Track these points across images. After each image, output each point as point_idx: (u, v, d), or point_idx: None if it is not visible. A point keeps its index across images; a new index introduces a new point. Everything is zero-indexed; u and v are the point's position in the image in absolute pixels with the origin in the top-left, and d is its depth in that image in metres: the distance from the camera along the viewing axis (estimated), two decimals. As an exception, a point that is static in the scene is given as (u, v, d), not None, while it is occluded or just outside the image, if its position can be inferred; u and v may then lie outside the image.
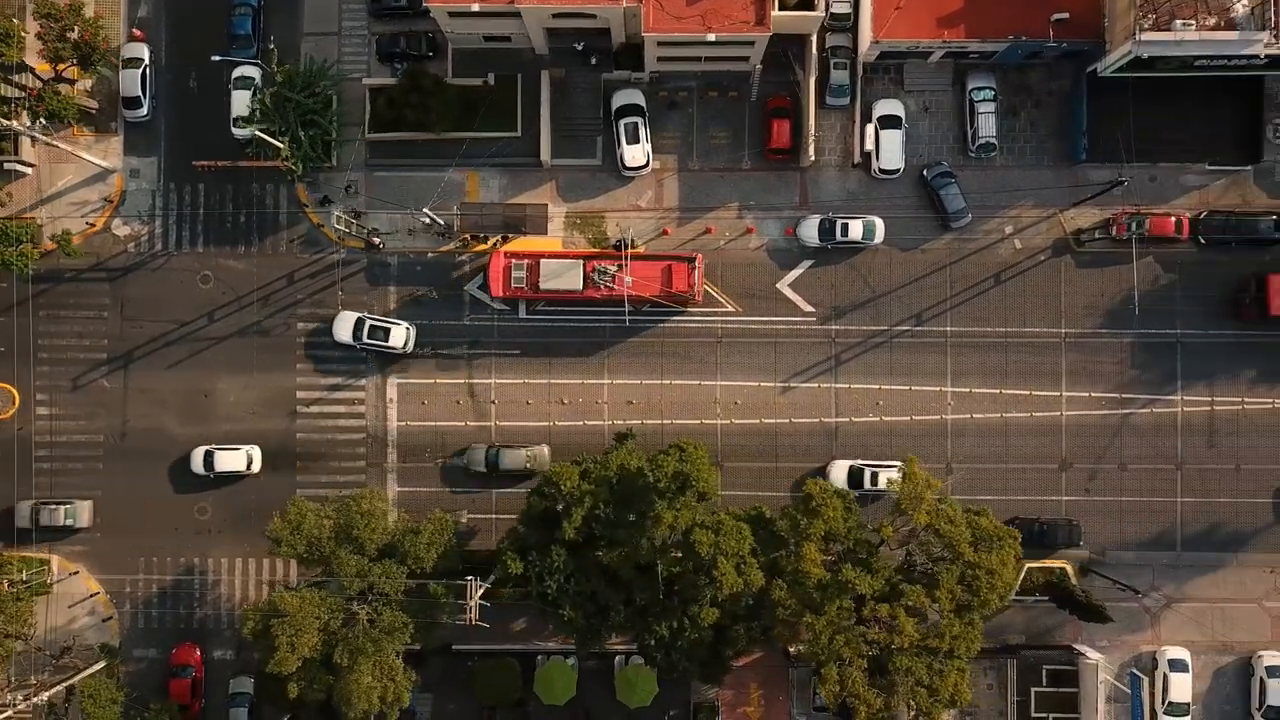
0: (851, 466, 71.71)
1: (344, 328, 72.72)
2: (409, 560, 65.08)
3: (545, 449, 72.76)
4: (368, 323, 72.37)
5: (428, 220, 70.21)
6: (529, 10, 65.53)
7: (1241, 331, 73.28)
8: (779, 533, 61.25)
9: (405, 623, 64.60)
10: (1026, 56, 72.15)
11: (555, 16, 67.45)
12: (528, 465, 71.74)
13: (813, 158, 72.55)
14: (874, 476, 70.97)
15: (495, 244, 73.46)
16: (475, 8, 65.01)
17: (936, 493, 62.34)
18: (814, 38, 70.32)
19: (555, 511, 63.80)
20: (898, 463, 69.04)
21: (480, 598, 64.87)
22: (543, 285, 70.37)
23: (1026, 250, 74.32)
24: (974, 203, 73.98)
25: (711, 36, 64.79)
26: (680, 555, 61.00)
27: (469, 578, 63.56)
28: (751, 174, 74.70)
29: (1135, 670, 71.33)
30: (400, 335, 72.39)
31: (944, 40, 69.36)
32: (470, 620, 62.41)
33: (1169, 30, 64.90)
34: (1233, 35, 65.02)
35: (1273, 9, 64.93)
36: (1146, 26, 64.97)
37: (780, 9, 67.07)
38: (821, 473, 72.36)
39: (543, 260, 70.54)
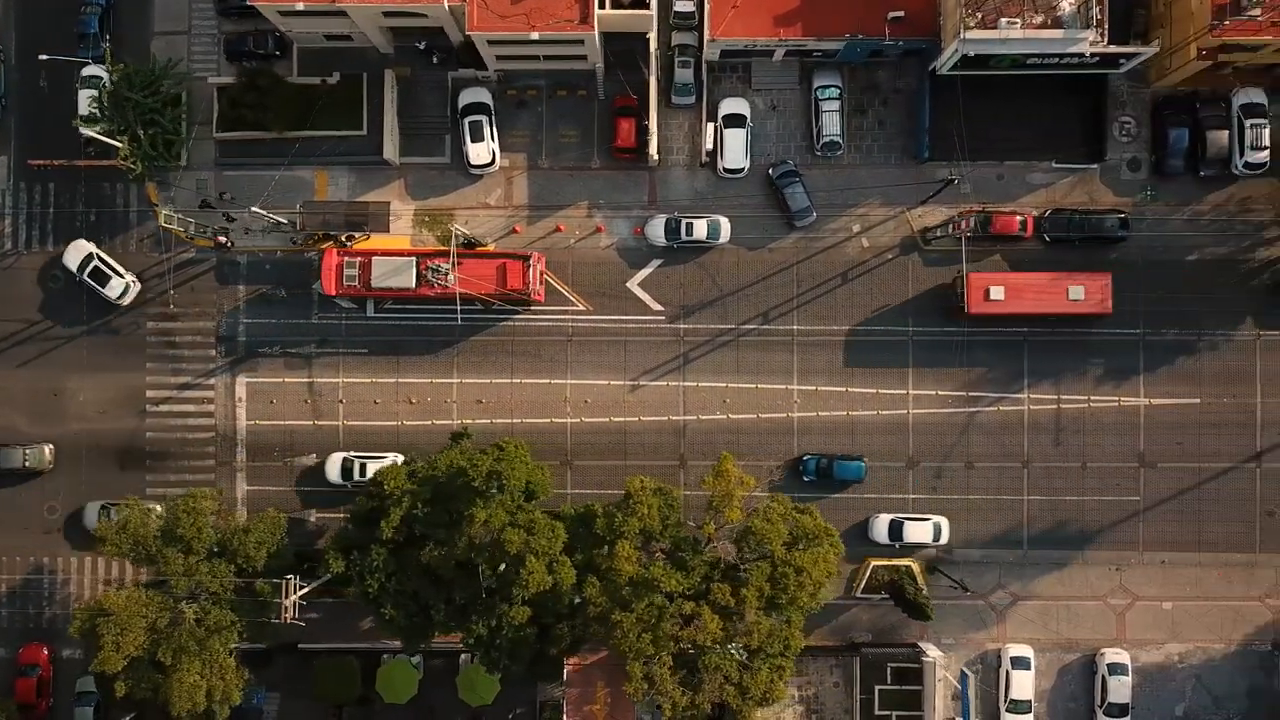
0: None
1: (74, 257, 72.74)
2: (239, 559, 65.10)
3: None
4: (94, 262, 72.32)
5: (267, 219, 70.03)
6: (356, 9, 65.54)
7: (1086, 331, 73.37)
8: (595, 531, 61.23)
9: (233, 621, 64.66)
10: (870, 55, 72.20)
11: (387, 15, 67.39)
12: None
13: (655, 157, 72.55)
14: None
15: (344, 242, 73.32)
16: (300, 6, 64.96)
17: (751, 489, 62.39)
18: (653, 36, 70.33)
19: (380, 511, 63.74)
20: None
21: (331, 598, 64.99)
22: (375, 284, 70.29)
23: (874, 249, 74.40)
24: (821, 201, 74.04)
25: (535, 35, 64.81)
26: (494, 554, 60.90)
27: (288, 576, 63.46)
28: (601, 173, 74.72)
29: (965, 669, 71.36)
30: (118, 286, 72.32)
31: (780, 39, 69.41)
32: (285, 619, 62.31)
33: (995, 28, 64.99)
34: (1058, 34, 65.14)
35: (1097, 8, 65.08)
36: (972, 25, 65.07)
37: (614, 7, 67.27)
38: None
39: (375, 259, 70.49)
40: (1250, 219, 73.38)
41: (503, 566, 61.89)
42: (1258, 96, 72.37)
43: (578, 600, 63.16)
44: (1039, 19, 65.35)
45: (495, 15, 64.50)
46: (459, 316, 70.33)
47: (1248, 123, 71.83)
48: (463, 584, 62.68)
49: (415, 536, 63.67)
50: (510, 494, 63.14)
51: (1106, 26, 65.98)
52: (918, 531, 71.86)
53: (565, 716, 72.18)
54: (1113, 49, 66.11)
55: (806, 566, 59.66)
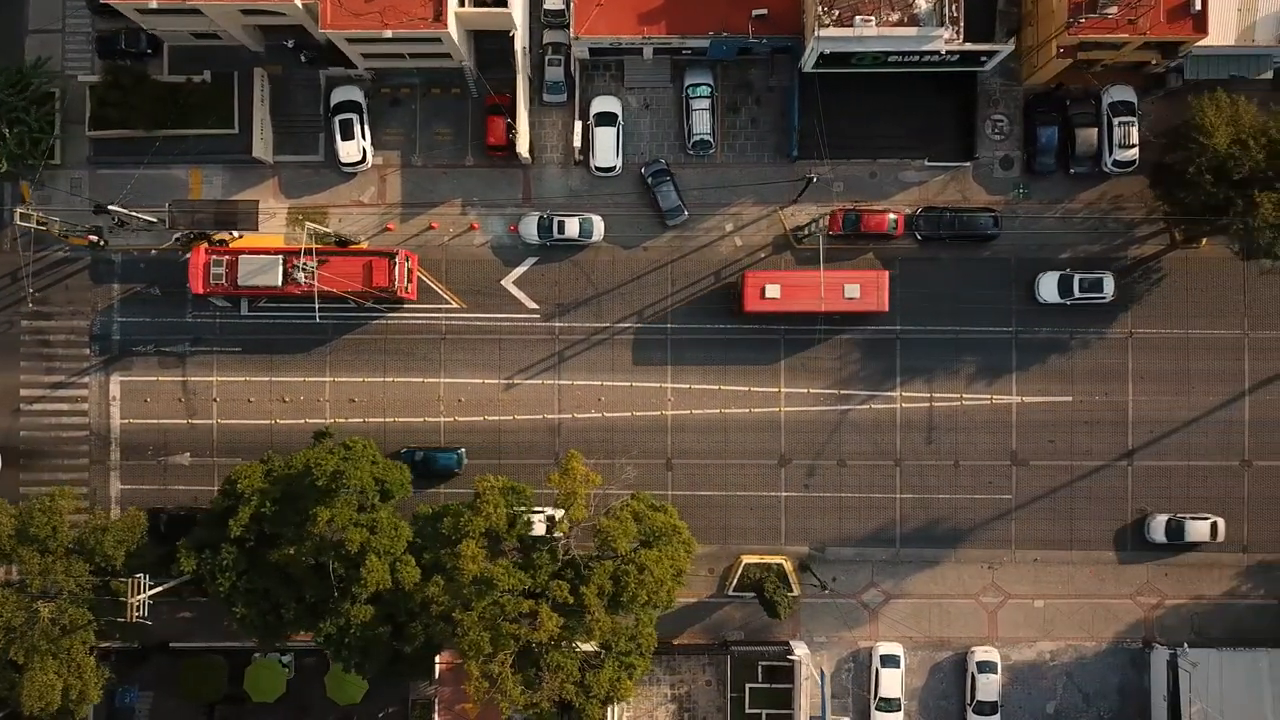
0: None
1: None
2: (96, 558, 64.98)
3: None
4: None
5: (128, 217, 69.89)
6: (211, 8, 65.45)
7: (960, 328, 73.40)
8: (441, 530, 61.14)
9: (90, 620, 64.54)
10: (740, 53, 72.17)
11: (246, 14, 67.29)
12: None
13: (526, 155, 72.43)
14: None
15: (223, 241, 73.17)
16: (154, 4, 64.81)
17: (598, 487, 62.39)
18: (519, 35, 70.16)
19: (232, 510, 63.62)
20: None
21: (203, 596, 64.80)
22: (241, 282, 70.17)
23: (747, 248, 74.33)
24: (694, 200, 73.98)
25: (389, 34, 64.66)
26: (339, 553, 60.83)
27: (137, 575, 63.36)
28: (475, 170, 74.62)
29: (822, 668, 71.30)
30: None
31: (645, 36, 69.31)
32: (132, 618, 62.17)
33: (850, 26, 64.96)
34: (912, 31, 65.11)
35: (953, 6, 65.07)
36: (828, 22, 65.06)
37: (475, 5, 67.20)
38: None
39: (241, 257, 70.37)
40: (1122, 217, 73.40)
41: (340, 567, 61.78)
42: (1127, 95, 72.38)
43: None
44: (895, 17, 65.33)
45: (349, 13, 64.37)
46: (317, 315, 70.13)
47: (1116, 121, 71.84)
48: (313, 583, 62.57)
49: (269, 536, 63.56)
50: (365, 493, 63.13)
51: (962, 24, 65.94)
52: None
53: (436, 715, 72.37)
54: (968, 46, 66.03)
55: (649, 564, 59.60)
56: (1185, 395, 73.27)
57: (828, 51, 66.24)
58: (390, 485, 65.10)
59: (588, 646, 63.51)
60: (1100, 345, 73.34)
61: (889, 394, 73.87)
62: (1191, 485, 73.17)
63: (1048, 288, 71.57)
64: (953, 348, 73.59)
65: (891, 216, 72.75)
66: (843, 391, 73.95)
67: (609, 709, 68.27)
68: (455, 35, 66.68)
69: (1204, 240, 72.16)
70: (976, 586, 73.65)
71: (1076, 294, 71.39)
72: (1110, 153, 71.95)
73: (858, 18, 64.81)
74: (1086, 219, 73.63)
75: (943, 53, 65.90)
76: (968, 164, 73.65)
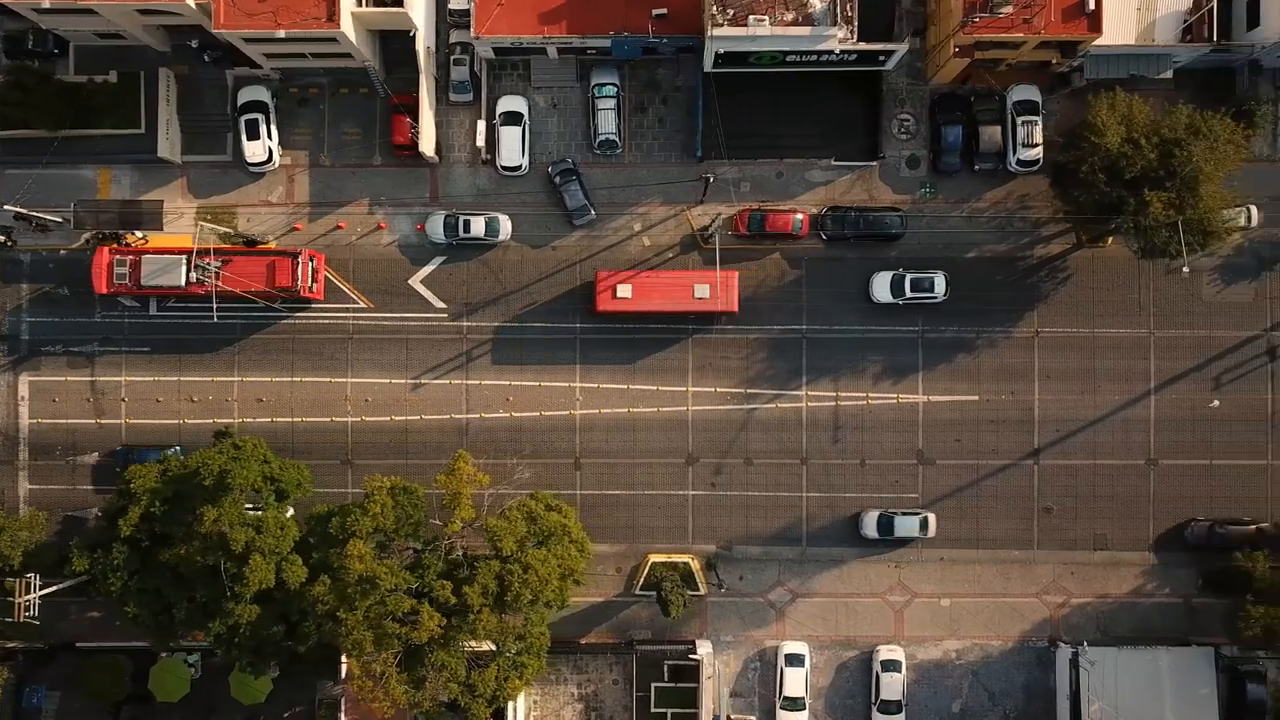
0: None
1: None
2: (-8, 558, 65.12)
3: None
4: None
5: (28, 217, 69.93)
6: (106, 7, 65.44)
7: (867, 327, 73.50)
8: (329, 530, 61.16)
9: (-15, 620, 64.74)
10: (646, 52, 72.18)
11: (143, 13, 67.28)
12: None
13: (431, 154, 72.46)
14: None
15: (135, 240, 73.20)
16: (46, 4, 64.81)
17: (484, 487, 62.46)
18: (420, 34, 70.12)
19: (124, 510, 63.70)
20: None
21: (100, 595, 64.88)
22: (144, 282, 70.19)
23: (655, 247, 74.37)
24: (602, 200, 74.05)
25: (282, 33, 64.69)
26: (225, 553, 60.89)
27: (29, 575, 63.38)
28: (383, 170, 74.65)
29: (719, 669, 71.31)
30: None
31: (546, 36, 69.31)
32: (19, 617, 62.20)
33: (745, 26, 65.02)
34: (805, 31, 65.19)
35: (847, 6, 65.15)
36: (723, 22, 65.12)
37: (373, 4, 67.25)
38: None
39: (145, 257, 70.38)
40: (1028, 216, 73.46)
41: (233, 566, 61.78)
42: (1031, 94, 72.48)
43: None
44: (790, 16, 65.39)
45: (242, 13, 64.38)
46: (215, 315, 70.10)
47: (1020, 120, 71.93)
48: (205, 583, 62.59)
49: (162, 535, 63.58)
50: (260, 492, 63.23)
51: (856, 24, 66.01)
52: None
53: (343, 715, 72.32)
54: (862, 46, 66.10)
55: (534, 564, 59.64)
56: (1091, 394, 73.38)
57: (722, 51, 66.29)
58: (286, 485, 65.15)
59: (482, 646, 63.60)
60: (1007, 344, 73.44)
61: (795, 393, 73.93)
62: (1097, 484, 73.22)
63: (880, 288, 71.76)
64: (859, 347, 73.66)
65: (796, 216, 72.81)
66: (749, 390, 74.01)
67: (511, 708, 68.60)
68: (352, 35, 66.69)
69: (1109, 239, 72.27)
70: (883, 585, 73.71)
71: (908, 294, 71.48)
72: (1014, 152, 72.05)
73: (751, 17, 64.89)
74: (993, 218, 73.73)
75: (837, 52, 65.93)
76: (873, 163, 73.73)
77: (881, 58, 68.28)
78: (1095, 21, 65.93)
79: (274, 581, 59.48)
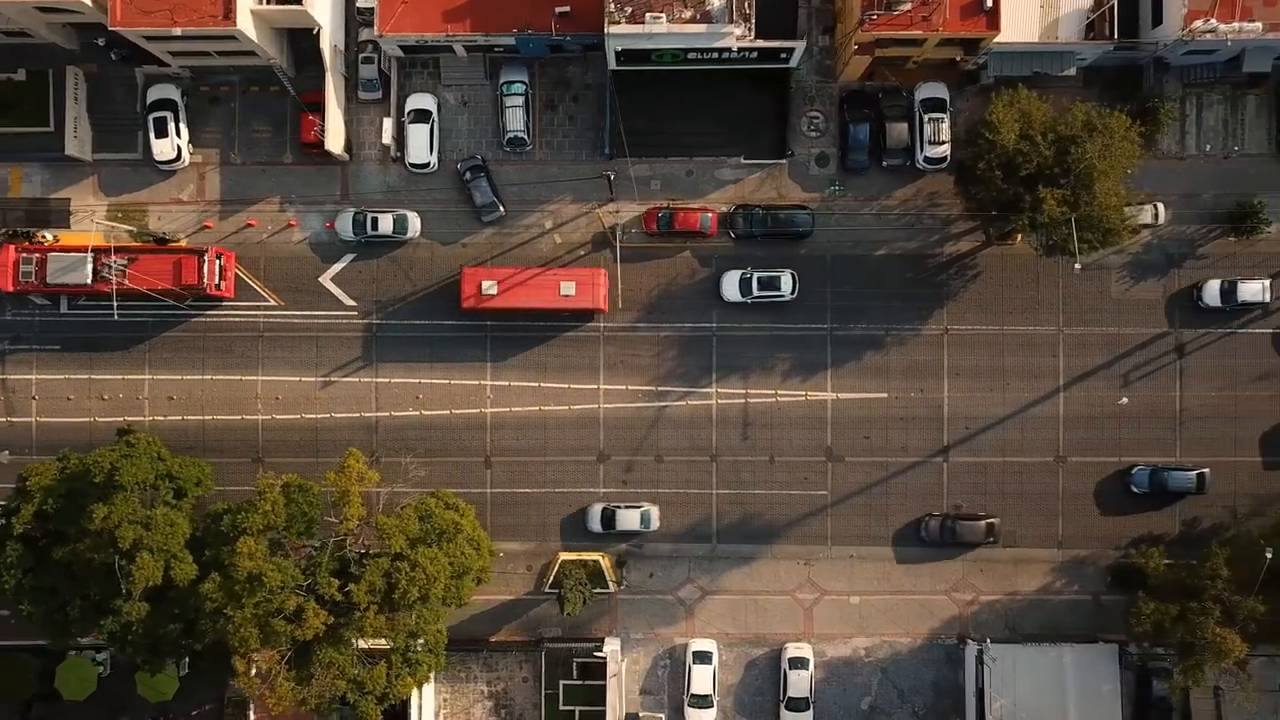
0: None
1: None
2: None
3: None
4: None
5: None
6: (4, 5, 65.49)
7: (776, 325, 73.50)
8: (220, 528, 61.13)
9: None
10: (554, 50, 72.20)
11: (43, 11, 67.19)
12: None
13: (337, 152, 72.44)
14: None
15: (44, 238, 73.13)
16: (-66, 1, 64.88)
17: (373, 485, 62.46)
18: (325, 32, 70.04)
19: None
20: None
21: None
22: (50, 279, 70.20)
23: (566, 245, 74.40)
24: (513, 197, 74.07)
25: (178, 31, 64.71)
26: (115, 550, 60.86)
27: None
28: (294, 168, 74.63)
29: (622, 667, 71.25)
30: None
31: (449, 34, 69.32)
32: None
33: (642, 23, 65.07)
34: (702, 28, 65.26)
35: (745, 3, 65.18)
36: (620, 19, 65.16)
37: (274, 2, 67.24)
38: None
39: (51, 254, 70.36)
40: (937, 213, 73.51)
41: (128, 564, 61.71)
42: (939, 91, 72.53)
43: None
44: (688, 14, 65.44)
45: (139, 11, 64.38)
46: (115, 313, 70.08)
47: (927, 117, 71.97)
48: (100, 581, 62.53)
49: (58, 533, 63.55)
50: (158, 489, 63.23)
51: (753, 21, 66.06)
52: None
53: (251, 713, 72.30)
54: (760, 43, 66.19)
55: (423, 563, 59.64)
56: (1000, 392, 73.45)
57: (622, 49, 66.34)
58: (185, 482, 65.13)
59: (377, 644, 63.64)
60: (916, 342, 73.48)
61: (706, 390, 73.96)
62: (1006, 481, 73.30)
63: (729, 287, 72.00)
64: (769, 344, 73.68)
65: (705, 215, 72.83)
66: (661, 388, 74.03)
67: (417, 706, 68.64)
68: (253, 33, 66.70)
69: (1018, 237, 72.28)
70: (793, 583, 73.75)
71: (755, 292, 71.56)
72: (922, 149, 72.11)
73: (649, 15, 64.92)
74: (902, 215, 73.78)
75: (734, 50, 65.98)
76: (782, 161, 73.77)
77: (783, 55, 68.40)
78: (993, 19, 65.98)
79: (160, 579, 59.39)
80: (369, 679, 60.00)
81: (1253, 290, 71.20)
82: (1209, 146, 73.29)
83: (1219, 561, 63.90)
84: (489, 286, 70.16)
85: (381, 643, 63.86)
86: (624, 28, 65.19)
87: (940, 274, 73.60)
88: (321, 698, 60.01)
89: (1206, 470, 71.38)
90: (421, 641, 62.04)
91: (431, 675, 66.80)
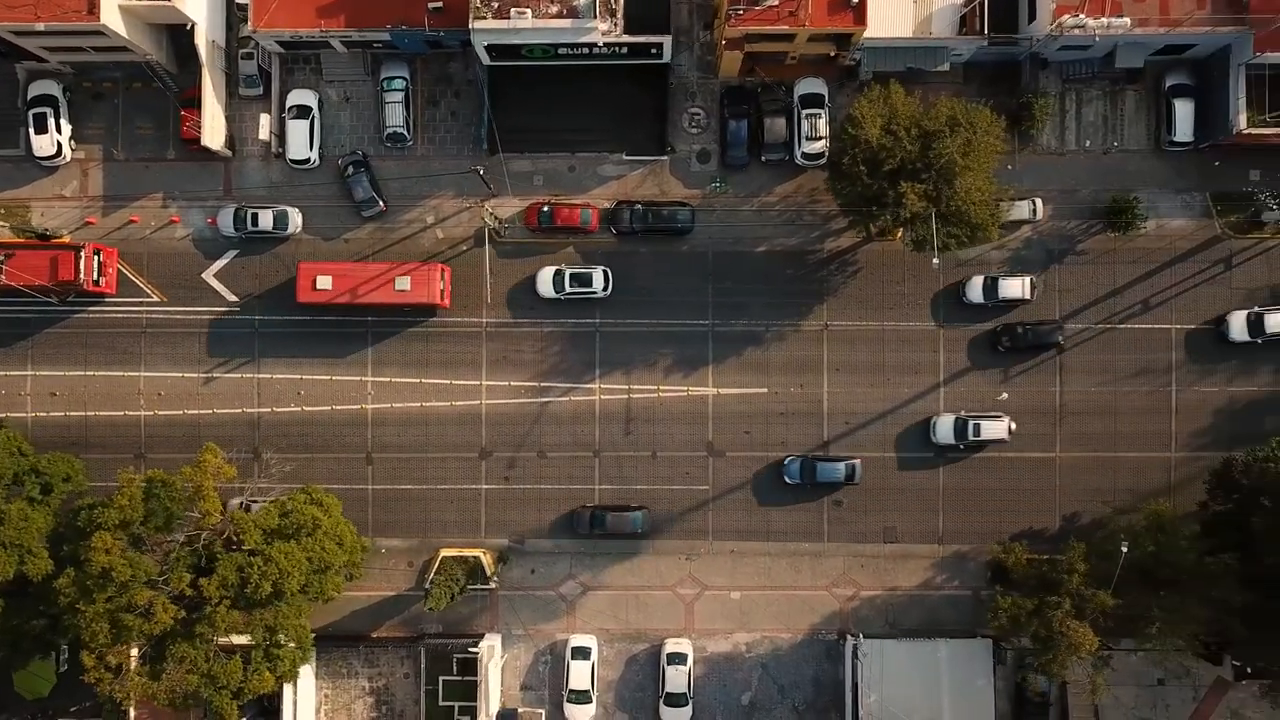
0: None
1: None
2: None
3: None
4: None
5: None
6: None
7: (659, 321, 73.53)
8: (78, 523, 61.08)
9: None
10: (433, 46, 72.23)
11: (-90, 6, 67.20)
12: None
13: (217, 148, 72.39)
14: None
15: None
16: None
17: (229, 480, 62.46)
18: (201, 27, 70.03)
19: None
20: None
21: None
22: (-78, 276, 70.23)
23: (449, 240, 74.43)
24: (396, 193, 74.14)
25: (41, 26, 64.66)
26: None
27: None
28: (177, 164, 74.62)
29: (489, 664, 71.14)
30: None
31: (323, 30, 69.33)
32: None
33: (506, 19, 65.16)
34: (566, 24, 65.35)
35: (612, -1, 65.38)
36: (486, 14, 65.24)
37: None
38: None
39: (-79, 251, 70.38)
40: (817, 210, 73.55)
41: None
42: (817, 87, 72.62)
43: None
44: (554, 9, 65.53)
45: (3, 6, 64.34)
46: (-24, 311, 70.18)
47: (804, 113, 72.06)
48: (-43, 576, 62.50)
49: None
50: (26, 485, 63.26)
51: (621, 17, 66.16)
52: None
53: (132, 710, 72.07)
54: (626, 38, 66.30)
55: (276, 558, 59.61)
56: (880, 387, 73.52)
57: (488, 44, 66.39)
58: (52, 478, 65.07)
59: (240, 640, 63.65)
60: (796, 337, 73.54)
61: (589, 386, 73.99)
62: (887, 476, 73.38)
63: (544, 283, 72.38)
64: (651, 340, 73.74)
65: (585, 211, 72.88)
66: (543, 384, 74.07)
67: (291, 701, 68.57)
68: (121, 29, 66.72)
69: (899, 233, 72.31)
70: (674, 578, 73.77)
71: (568, 289, 71.80)
72: (800, 145, 72.19)
73: (514, 10, 64.97)
74: (784, 212, 73.85)
75: (600, 45, 66.06)
76: (664, 158, 73.83)
77: (654, 50, 68.44)
78: (860, 14, 66.11)
79: (11, 574, 59.32)
80: (223, 674, 59.89)
81: (1013, 287, 71.55)
82: (1089, 142, 73.44)
83: (1076, 556, 63.96)
84: (324, 282, 70.19)
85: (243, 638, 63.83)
86: (489, 23, 65.31)
87: (821, 270, 73.69)
88: (174, 692, 59.89)
89: (857, 461, 71.85)
90: (280, 637, 61.84)
91: (301, 670, 66.71)
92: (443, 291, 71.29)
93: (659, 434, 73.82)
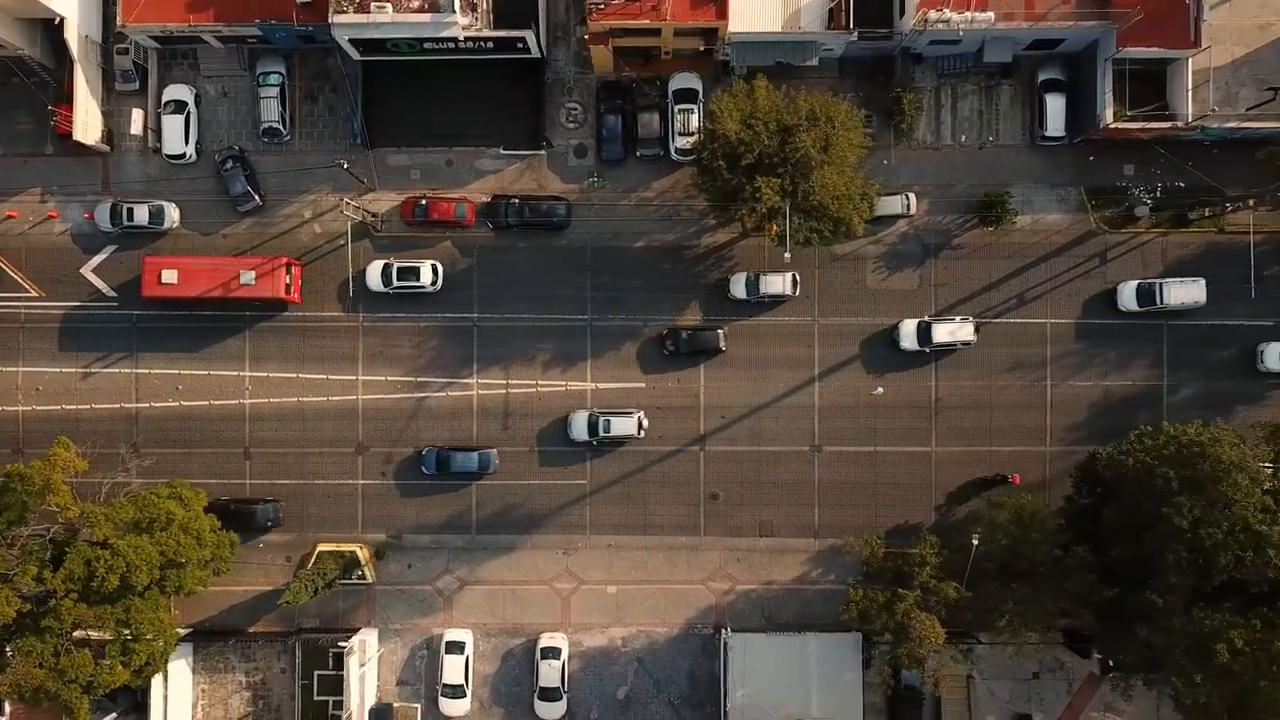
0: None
1: None
2: None
3: None
4: None
5: None
6: None
7: (537, 316, 73.62)
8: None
9: None
10: (307, 40, 72.18)
11: None
12: None
13: (91, 143, 72.30)
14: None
15: None
16: None
17: (80, 474, 62.45)
18: (73, 21, 69.92)
19: None
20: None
21: None
22: None
23: (327, 234, 74.44)
24: (274, 187, 74.15)
25: (-109, 18, 64.73)
26: None
27: None
28: (55, 159, 74.60)
29: (358, 657, 71.14)
30: None
31: (192, 24, 69.35)
32: None
33: (367, 13, 65.20)
34: (426, 18, 65.40)
35: (474, -7, 65.40)
36: (347, 9, 65.29)
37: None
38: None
39: None
40: (694, 205, 73.54)
41: None
42: (691, 82, 72.72)
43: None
44: (415, 3, 65.59)
45: None
46: None
47: (677, 108, 72.13)
48: None
49: None
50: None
51: (488, 10, 66.21)
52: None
53: (6, 705, 72.07)
54: (487, 32, 66.39)
55: (125, 552, 59.61)
56: (758, 382, 73.58)
57: (351, 39, 66.43)
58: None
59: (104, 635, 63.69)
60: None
61: (466, 381, 74.04)
62: (763, 470, 73.49)
63: (373, 277, 72.49)
64: (529, 335, 73.79)
65: (460, 205, 72.93)
66: (420, 379, 74.11)
67: (160, 695, 68.61)
68: (-11, 21, 66.72)
69: (773, 228, 72.30)
70: (551, 572, 73.82)
71: (395, 282, 72.11)
72: (673, 140, 72.25)
73: (374, 4, 65.01)
74: (661, 207, 73.92)
75: (462, 39, 66.12)
76: (541, 152, 73.89)
77: (520, 45, 68.50)
78: (722, 8, 66.23)
79: None
80: (71, 668, 59.88)
81: (775, 283, 71.82)
82: (964, 137, 73.57)
83: (927, 549, 64.10)
84: (169, 276, 70.24)
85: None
86: (350, 17, 65.37)
87: (698, 265, 73.77)
88: (19, 686, 59.83)
89: (492, 451, 72.33)
90: (129, 631, 61.69)
91: (170, 665, 66.79)
92: (289, 286, 71.14)
93: (536, 428, 73.84)
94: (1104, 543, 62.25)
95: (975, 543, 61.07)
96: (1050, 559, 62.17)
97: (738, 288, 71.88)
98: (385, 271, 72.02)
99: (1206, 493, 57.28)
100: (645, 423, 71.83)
